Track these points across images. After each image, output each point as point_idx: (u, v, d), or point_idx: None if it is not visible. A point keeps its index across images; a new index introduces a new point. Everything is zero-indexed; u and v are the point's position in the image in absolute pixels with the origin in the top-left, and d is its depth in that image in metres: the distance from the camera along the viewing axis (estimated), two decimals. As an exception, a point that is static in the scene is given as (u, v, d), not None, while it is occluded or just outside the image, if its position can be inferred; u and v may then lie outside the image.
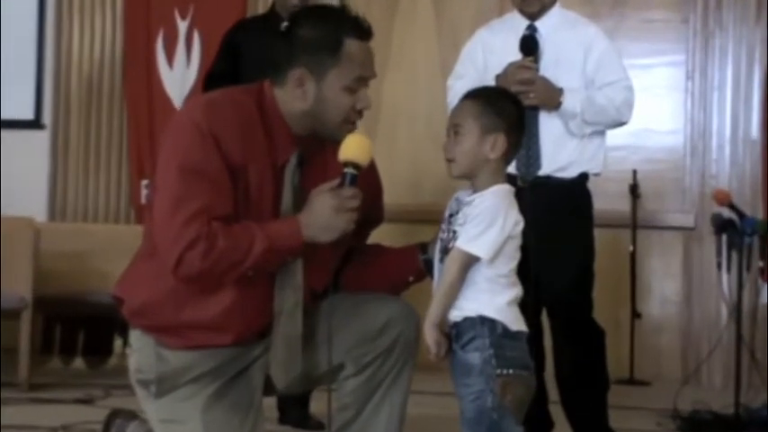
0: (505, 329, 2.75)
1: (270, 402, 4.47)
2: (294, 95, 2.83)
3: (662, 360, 6.61)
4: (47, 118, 7.32)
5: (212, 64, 5.12)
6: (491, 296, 2.76)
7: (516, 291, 2.82)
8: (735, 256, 4.89)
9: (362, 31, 2.85)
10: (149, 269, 2.86)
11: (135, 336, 2.94)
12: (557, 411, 4.29)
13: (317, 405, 4.68)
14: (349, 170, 2.78)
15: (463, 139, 2.82)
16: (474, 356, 2.75)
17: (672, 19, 6.75)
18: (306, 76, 2.81)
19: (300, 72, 2.81)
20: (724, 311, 6.29)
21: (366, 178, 2.85)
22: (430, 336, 2.75)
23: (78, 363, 6.49)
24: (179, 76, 7.13)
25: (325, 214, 2.74)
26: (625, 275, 6.41)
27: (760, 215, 6.00)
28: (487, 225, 2.73)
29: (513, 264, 2.81)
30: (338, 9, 2.91)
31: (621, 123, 4.22)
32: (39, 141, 7.29)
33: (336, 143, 2.82)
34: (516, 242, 2.80)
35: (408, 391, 3.01)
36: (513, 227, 2.76)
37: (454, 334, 2.78)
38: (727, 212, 5.00)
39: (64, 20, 7.31)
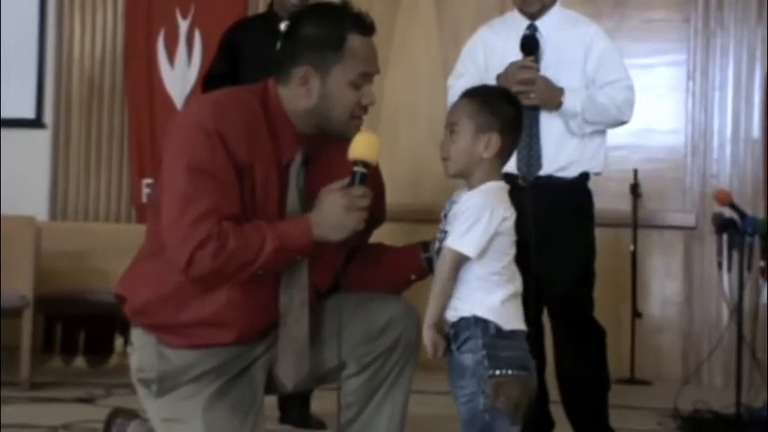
0: (499, 330, 2.75)
1: (270, 401, 4.47)
2: (299, 93, 2.83)
3: (663, 359, 6.61)
4: (48, 117, 7.33)
5: (211, 64, 5.13)
6: (484, 295, 2.76)
7: (513, 287, 2.81)
8: (736, 255, 4.89)
9: (365, 27, 2.85)
10: (152, 268, 2.86)
11: (136, 334, 2.94)
12: (557, 411, 4.29)
13: (318, 404, 4.68)
14: (359, 169, 2.79)
15: (458, 137, 2.82)
16: (467, 358, 2.75)
17: (673, 18, 6.75)
18: (310, 74, 2.81)
19: (304, 70, 2.81)
20: (725, 311, 6.28)
21: (371, 181, 2.86)
22: (427, 336, 2.75)
23: (79, 362, 6.49)
24: (180, 75, 7.13)
25: (335, 213, 2.75)
26: (626, 275, 6.41)
27: (761, 215, 5.99)
28: (473, 222, 2.73)
29: (507, 260, 2.80)
30: (340, 6, 2.91)
31: (622, 122, 4.22)
32: (40, 140, 7.29)
33: (342, 140, 2.82)
34: (507, 238, 2.79)
35: (410, 391, 3.02)
36: (500, 223, 2.75)
37: (452, 334, 2.78)
38: (728, 212, 5.00)
39: (65, 19, 7.32)
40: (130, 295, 2.91)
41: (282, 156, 2.83)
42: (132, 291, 2.90)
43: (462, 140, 2.82)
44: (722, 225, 4.94)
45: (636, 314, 6.40)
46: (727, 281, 5.30)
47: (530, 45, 4.09)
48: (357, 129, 2.88)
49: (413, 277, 3.04)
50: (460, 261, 2.75)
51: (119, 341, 6.36)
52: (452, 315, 2.77)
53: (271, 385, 3.00)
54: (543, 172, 4.08)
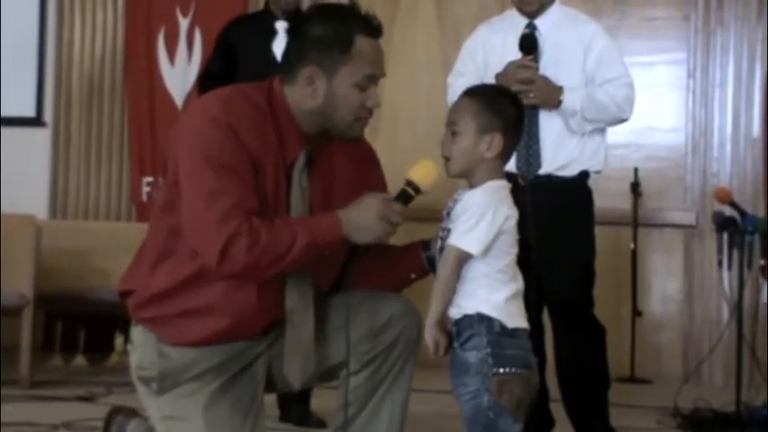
0: (503, 327, 2.74)
1: (270, 400, 4.48)
2: (305, 93, 2.83)
3: (663, 358, 6.62)
4: (48, 115, 7.34)
5: (207, 63, 5.14)
6: (488, 292, 2.76)
7: (516, 286, 2.81)
8: (736, 254, 4.89)
9: (373, 29, 2.85)
10: (165, 265, 2.84)
11: (137, 332, 2.94)
12: (558, 409, 4.29)
13: (317, 402, 4.68)
14: (408, 189, 2.83)
15: (460, 137, 2.82)
16: (471, 355, 2.74)
17: (673, 17, 6.75)
18: (316, 74, 2.81)
19: (311, 70, 2.81)
20: (725, 309, 6.28)
21: (371, 177, 2.86)
22: (429, 334, 2.74)
23: (79, 360, 6.49)
24: (180, 73, 7.13)
25: (369, 216, 2.75)
26: (626, 273, 6.42)
27: (761, 213, 6.00)
28: (477, 220, 2.72)
29: (509, 259, 2.79)
30: (348, 7, 2.91)
31: (622, 120, 4.22)
32: (40, 139, 7.30)
33: (344, 141, 2.84)
34: (510, 237, 2.78)
35: (410, 389, 3.02)
36: (503, 221, 2.75)
37: (455, 332, 2.78)
38: (728, 210, 5.01)
39: (65, 17, 7.32)
40: (139, 287, 2.90)
41: (287, 155, 2.83)
42: (141, 283, 2.89)
43: (464, 140, 2.81)
44: (722, 223, 4.94)
45: (636, 313, 6.40)
46: (728, 279, 5.30)
47: (528, 44, 4.09)
48: (361, 130, 2.89)
49: (413, 276, 3.04)
50: (463, 259, 2.74)
51: (119, 339, 6.36)
52: (456, 312, 2.77)
53: (271, 383, 3.00)
54: (543, 171, 4.07)
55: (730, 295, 5.29)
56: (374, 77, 2.85)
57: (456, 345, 2.78)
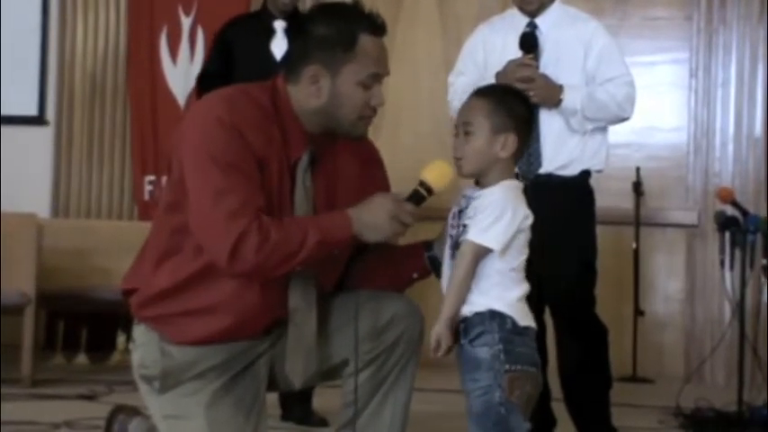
0: (515, 325, 2.75)
1: (272, 399, 4.48)
2: (309, 92, 2.82)
3: (665, 357, 6.62)
4: (50, 114, 7.34)
5: (205, 63, 5.15)
6: (502, 290, 2.76)
7: (525, 287, 2.82)
8: (738, 253, 4.89)
9: (377, 28, 2.84)
10: (168, 263, 2.84)
11: (139, 331, 2.94)
12: (559, 409, 4.29)
13: (319, 401, 4.68)
14: (421, 189, 2.81)
15: (474, 137, 2.81)
16: (483, 351, 2.74)
17: (675, 16, 6.76)
18: (320, 73, 2.80)
19: (315, 68, 2.80)
20: (727, 309, 6.27)
21: (375, 177, 2.86)
22: (441, 332, 2.73)
23: (81, 359, 6.49)
24: (182, 72, 7.13)
25: (380, 215, 2.75)
26: (628, 273, 6.42)
27: (763, 213, 5.97)
28: (497, 217, 2.72)
29: (523, 258, 2.80)
30: (352, 5, 2.91)
31: (623, 119, 4.21)
32: (42, 137, 7.30)
33: (348, 140, 2.84)
34: (525, 236, 2.79)
35: (412, 388, 3.01)
36: (522, 220, 2.76)
37: (462, 328, 2.78)
38: (730, 210, 5.00)
39: (67, 16, 7.32)
40: (142, 285, 2.90)
41: (291, 154, 2.82)
42: (144, 281, 2.89)
43: (478, 140, 2.81)
44: (724, 223, 4.94)
45: (638, 312, 6.41)
46: (730, 279, 5.28)
47: (529, 43, 4.09)
48: (365, 129, 2.89)
49: (415, 276, 3.04)
50: (481, 255, 2.74)
51: (121, 338, 6.37)
52: (467, 310, 2.77)
53: (273, 382, 3.00)
54: (543, 170, 4.07)
55: (732, 295, 5.28)
56: (378, 76, 2.84)
57: (464, 341, 2.77)
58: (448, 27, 6.92)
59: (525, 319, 2.79)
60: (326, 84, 2.81)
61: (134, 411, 3.29)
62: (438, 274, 2.95)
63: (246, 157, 2.72)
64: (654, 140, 6.71)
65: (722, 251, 4.97)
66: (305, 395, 4.67)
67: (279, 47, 4.71)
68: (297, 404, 4.71)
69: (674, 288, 6.68)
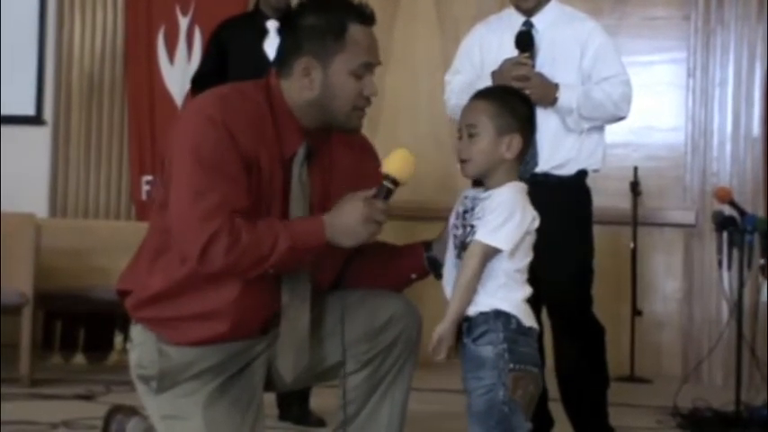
0: (519, 325, 2.76)
1: (270, 399, 4.48)
2: (301, 85, 2.83)
3: (662, 357, 6.62)
4: (48, 114, 7.33)
5: (200, 64, 5.16)
6: (508, 291, 2.77)
7: (529, 289, 2.83)
8: (736, 253, 4.90)
9: (366, 17, 2.85)
10: (158, 262, 2.85)
11: (136, 331, 2.94)
12: (557, 409, 4.29)
13: (316, 401, 4.68)
14: (387, 184, 2.79)
15: (479, 139, 2.81)
16: (487, 350, 2.74)
17: (673, 16, 6.76)
18: (312, 65, 2.81)
19: (306, 61, 2.81)
20: (725, 309, 6.28)
21: (369, 168, 2.86)
22: (446, 332, 2.73)
23: (79, 359, 6.49)
24: (180, 71, 7.13)
25: (352, 220, 2.74)
26: (626, 273, 6.42)
27: (761, 213, 6.00)
28: (507, 217, 2.73)
29: (528, 260, 2.81)
30: None
31: (620, 118, 4.21)
32: (40, 137, 7.30)
33: (344, 134, 2.83)
34: (532, 239, 2.80)
35: (410, 388, 3.01)
36: (530, 222, 2.77)
37: (466, 327, 2.78)
38: (728, 210, 5.01)
39: (65, 16, 7.32)
40: (136, 288, 2.90)
41: (286, 149, 2.83)
42: (139, 283, 2.90)
43: (483, 142, 2.81)
44: (722, 223, 4.95)
45: (636, 312, 6.40)
46: (727, 279, 5.30)
47: (525, 41, 4.09)
48: (359, 122, 2.88)
49: (414, 276, 3.04)
50: (489, 255, 2.74)
51: (118, 338, 6.37)
52: (471, 310, 2.77)
53: (270, 383, 3.00)
54: (539, 169, 4.07)
55: (730, 295, 5.29)
56: (370, 65, 2.85)
57: (467, 340, 2.78)
58: (446, 27, 6.92)
59: (529, 319, 2.80)
60: (318, 75, 2.81)
61: (132, 411, 3.29)
62: (437, 275, 2.95)
63: (233, 159, 2.72)
64: (651, 140, 6.72)
65: (720, 251, 4.98)
66: (302, 395, 4.67)
67: (272, 46, 4.72)
68: (294, 404, 4.71)
69: (672, 288, 6.68)
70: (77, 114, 7.30)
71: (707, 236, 6.32)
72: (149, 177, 7.07)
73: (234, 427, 2.85)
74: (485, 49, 4.22)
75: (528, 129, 2.88)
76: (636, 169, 6.51)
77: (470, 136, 2.83)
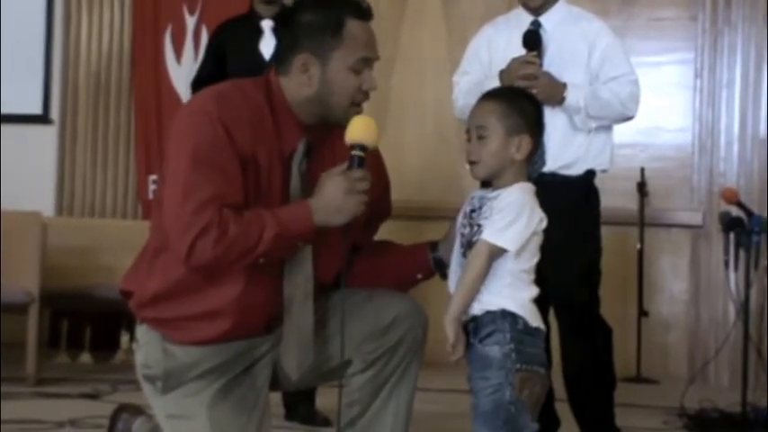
0: (526, 325, 2.76)
1: (276, 399, 4.48)
2: (300, 81, 2.83)
3: (669, 358, 6.61)
4: (55, 113, 7.35)
5: (198, 68, 5.18)
6: (514, 291, 2.76)
7: (536, 289, 2.82)
8: (742, 254, 4.89)
9: (363, 12, 2.85)
10: (159, 261, 2.85)
11: (142, 331, 2.94)
12: (563, 409, 4.29)
13: (323, 401, 4.68)
14: (357, 153, 2.77)
15: (489, 141, 2.81)
16: (494, 350, 2.74)
17: (680, 17, 6.75)
18: (310, 61, 2.81)
19: (304, 57, 2.81)
20: (731, 310, 6.27)
21: (374, 172, 2.85)
22: (451, 329, 2.73)
23: (85, 357, 6.50)
24: (187, 71, 7.11)
25: (336, 197, 2.74)
26: (632, 273, 6.41)
27: (768, 213, 6.00)
28: (514, 218, 2.73)
29: (535, 261, 2.81)
30: None
31: (628, 118, 4.20)
32: (46, 136, 7.31)
33: (343, 129, 2.82)
34: (539, 239, 2.79)
35: (415, 388, 3.01)
36: (538, 223, 2.77)
37: (472, 327, 2.77)
38: (735, 210, 5.01)
39: (72, 15, 7.34)
40: (137, 289, 2.91)
41: (285, 146, 2.83)
42: (139, 285, 2.90)
43: (493, 143, 2.81)
44: (729, 224, 4.94)
45: (642, 313, 6.39)
46: (734, 279, 5.29)
47: (532, 40, 4.09)
48: (356, 115, 2.87)
49: (419, 276, 3.04)
50: (496, 255, 2.74)
51: (125, 337, 6.38)
52: (477, 308, 2.76)
53: (276, 382, 3.00)
54: (547, 169, 4.06)
55: (737, 295, 5.28)
56: (368, 60, 2.85)
57: (474, 340, 2.77)
58: (453, 27, 6.92)
59: (535, 320, 2.80)
60: (317, 71, 2.81)
61: (137, 410, 3.29)
62: (443, 276, 2.95)
63: (229, 156, 2.72)
64: (659, 141, 6.71)
65: (727, 252, 4.97)
66: (308, 395, 4.67)
67: (268, 47, 4.78)
68: (301, 403, 4.72)
69: (679, 289, 6.68)
70: (84, 113, 7.31)
71: (714, 236, 6.32)
72: (156, 176, 7.07)
73: (239, 426, 2.85)
74: (492, 49, 4.22)
75: (537, 129, 2.88)
76: (643, 170, 6.50)
77: (480, 138, 2.82)
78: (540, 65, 4.06)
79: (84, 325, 6.55)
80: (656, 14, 6.78)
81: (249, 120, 2.78)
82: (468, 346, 2.77)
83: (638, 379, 6.28)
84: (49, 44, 7.34)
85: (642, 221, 6.44)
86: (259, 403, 2.91)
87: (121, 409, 3.32)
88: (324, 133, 2.90)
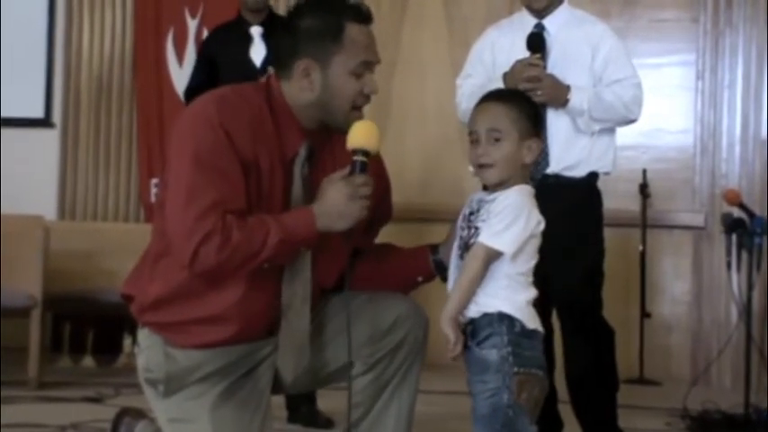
0: (523, 328, 2.75)
1: (278, 401, 4.48)
2: (301, 86, 2.83)
3: (672, 360, 6.61)
4: (57, 116, 7.35)
5: (190, 77, 5.21)
6: (511, 293, 2.76)
7: (533, 291, 2.81)
8: (745, 255, 4.89)
9: (362, 16, 2.86)
10: (160, 266, 2.86)
11: (143, 335, 2.95)
12: (566, 411, 4.29)
13: (325, 402, 4.68)
14: (359, 158, 2.78)
15: (503, 144, 2.79)
16: (491, 353, 2.74)
17: (682, 18, 6.75)
18: (311, 66, 2.81)
19: (305, 62, 2.81)
20: (734, 311, 6.27)
21: (374, 175, 2.85)
22: (449, 329, 2.73)
23: (88, 361, 6.50)
24: (188, 74, 7.10)
25: (339, 203, 2.74)
26: (635, 275, 6.41)
27: (770, 215, 5.99)
28: (511, 221, 2.72)
29: (532, 263, 2.80)
30: None
31: (631, 121, 4.21)
32: (48, 140, 7.31)
33: (345, 134, 2.81)
34: (537, 242, 2.79)
35: (417, 390, 3.01)
36: (535, 225, 2.76)
37: (470, 330, 2.77)
38: (737, 212, 5.01)
39: (74, 18, 7.34)
40: (139, 293, 2.91)
41: (287, 150, 2.83)
42: (140, 289, 2.91)
43: (508, 147, 2.79)
44: (731, 225, 4.94)
45: (645, 314, 6.39)
46: (737, 281, 5.29)
47: (536, 42, 4.09)
48: (357, 120, 2.86)
49: (420, 279, 3.04)
50: (492, 257, 2.74)
51: (127, 341, 6.38)
52: (474, 311, 2.76)
53: (278, 385, 3.00)
54: (550, 171, 4.07)
55: (739, 297, 5.28)
56: (369, 64, 2.85)
57: (471, 343, 2.77)
58: (454, 30, 6.92)
59: (533, 322, 2.79)
60: (318, 76, 2.82)
61: (140, 414, 3.29)
62: (443, 279, 2.95)
63: (230, 160, 2.72)
64: (660, 142, 6.71)
65: (729, 253, 4.97)
66: (310, 397, 4.67)
67: (257, 53, 4.82)
68: (303, 405, 4.72)
69: (681, 290, 6.67)
70: (86, 117, 7.31)
71: (716, 238, 6.31)
72: (158, 180, 7.07)
73: (242, 429, 2.86)
74: (496, 51, 4.22)
75: (541, 132, 2.87)
76: (645, 171, 6.50)
77: (495, 140, 2.80)
78: (544, 67, 4.06)
79: (86, 328, 6.55)
80: (658, 16, 6.78)
81: (250, 124, 2.78)
82: (466, 349, 2.77)
83: (641, 380, 6.28)
84: (51, 47, 7.35)
85: (644, 223, 6.44)
86: (261, 406, 2.92)
87: (124, 412, 3.33)
88: (325, 138, 2.90)
